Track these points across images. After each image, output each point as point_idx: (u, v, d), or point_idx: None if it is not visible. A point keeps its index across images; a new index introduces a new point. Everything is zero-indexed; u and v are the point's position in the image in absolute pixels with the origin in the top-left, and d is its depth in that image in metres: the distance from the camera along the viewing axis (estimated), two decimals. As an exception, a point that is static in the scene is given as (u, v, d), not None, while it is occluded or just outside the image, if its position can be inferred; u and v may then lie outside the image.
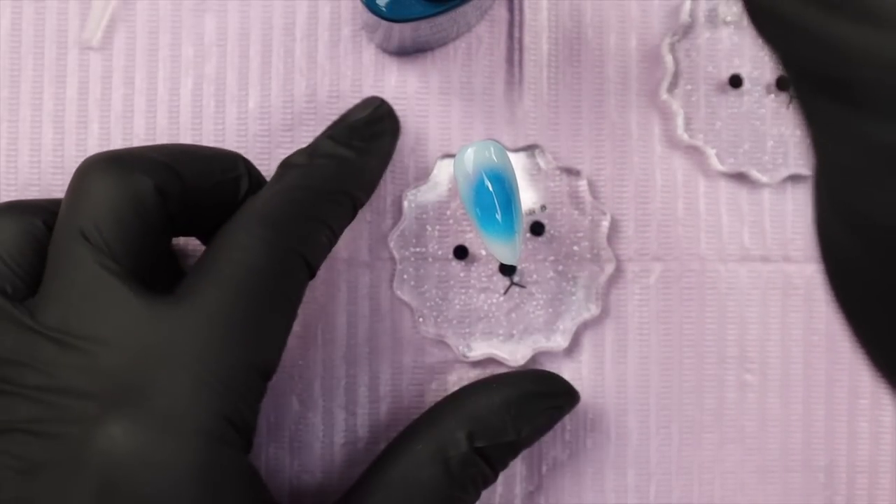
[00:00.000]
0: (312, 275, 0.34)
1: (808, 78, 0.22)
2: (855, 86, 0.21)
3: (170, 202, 0.34)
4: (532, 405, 0.37)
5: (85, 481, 0.30)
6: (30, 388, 0.31)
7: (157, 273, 0.34)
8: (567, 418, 0.40)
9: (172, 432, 0.30)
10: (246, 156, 0.40)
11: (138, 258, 0.33)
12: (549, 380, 0.38)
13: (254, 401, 0.32)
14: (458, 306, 0.40)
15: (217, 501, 0.31)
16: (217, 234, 0.34)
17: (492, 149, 0.37)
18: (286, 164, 0.36)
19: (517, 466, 0.40)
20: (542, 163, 0.40)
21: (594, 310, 0.40)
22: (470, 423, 0.36)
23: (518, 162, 0.40)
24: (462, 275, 0.40)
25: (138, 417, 0.30)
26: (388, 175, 0.40)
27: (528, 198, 0.40)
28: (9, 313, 0.32)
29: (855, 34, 0.21)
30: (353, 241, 0.40)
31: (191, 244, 0.40)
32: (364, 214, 0.40)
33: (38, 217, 0.34)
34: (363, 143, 0.38)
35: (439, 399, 0.39)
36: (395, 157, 0.40)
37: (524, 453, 0.39)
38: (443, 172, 0.40)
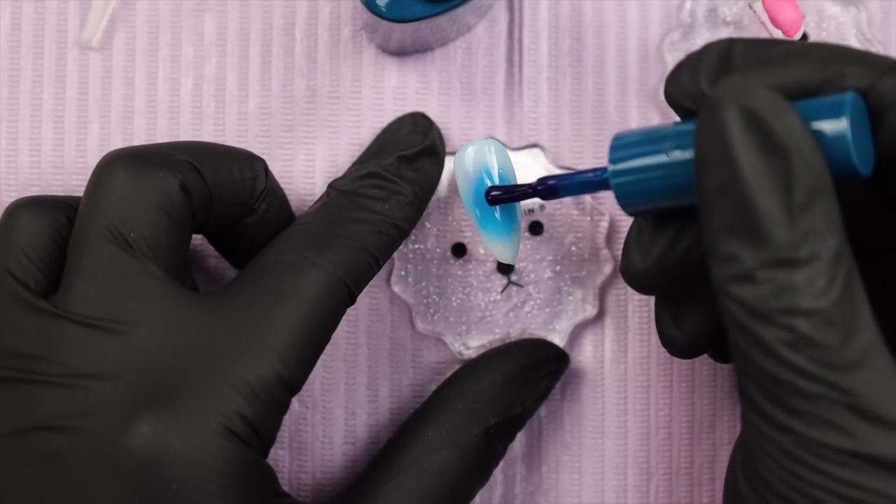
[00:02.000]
0: (352, 302, 0.35)
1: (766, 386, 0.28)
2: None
3: (193, 200, 0.34)
4: (532, 375, 0.38)
5: (113, 478, 0.31)
6: (57, 377, 0.32)
7: (179, 269, 0.34)
8: (567, 418, 0.40)
9: (199, 430, 0.31)
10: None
11: (167, 254, 0.33)
12: (542, 348, 0.39)
13: (278, 412, 0.33)
14: (455, 304, 0.40)
15: (242, 498, 0.31)
16: (267, 249, 0.35)
17: (492, 148, 0.37)
18: (336, 188, 0.37)
19: (517, 466, 0.40)
20: (541, 162, 0.40)
21: (591, 310, 0.40)
22: (478, 403, 0.36)
23: (518, 161, 0.40)
24: (460, 273, 0.40)
25: (167, 415, 0.31)
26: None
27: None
28: (33, 304, 0.33)
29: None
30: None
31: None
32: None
33: (62, 213, 0.34)
34: (413, 174, 0.37)
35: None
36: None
37: (524, 455, 0.39)
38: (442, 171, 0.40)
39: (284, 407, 0.33)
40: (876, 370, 0.27)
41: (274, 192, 0.37)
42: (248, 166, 0.36)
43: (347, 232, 0.35)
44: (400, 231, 0.36)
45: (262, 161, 0.37)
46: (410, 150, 0.37)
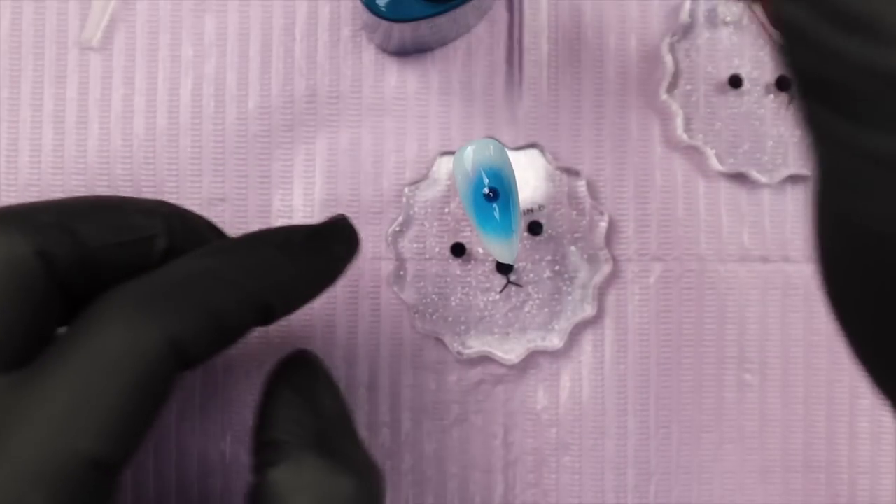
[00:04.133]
0: (188, 367, 0.29)
1: (813, 87, 0.23)
2: (856, 98, 0.22)
3: (58, 266, 0.29)
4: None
5: None
6: None
7: (20, 342, 0.29)
8: (567, 418, 0.40)
9: None
10: (245, 156, 0.40)
11: (9, 330, 0.28)
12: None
13: (88, 496, 0.27)
14: (454, 304, 0.40)
15: None
16: (90, 304, 0.29)
17: (491, 147, 0.37)
18: (216, 242, 0.33)
19: (517, 466, 0.40)
20: (541, 162, 0.40)
21: (590, 310, 0.40)
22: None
23: (517, 161, 0.40)
24: (459, 273, 0.40)
25: None
26: (387, 172, 0.40)
27: (526, 197, 0.40)
28: None
29: (859, 50, 0.22)
30: (352, 240, 0.40)
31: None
32: (363, 212, 0.40)
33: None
34: (301, 252, 0.32)
35: (438, 397, 0.40)
36: (395, 154, 0.40)
37: (524, 455, 0.39)
38: (442, 170, 0.40)
39: (99, 488, 0.28)
40: None
41: (184, 250, 0.32)
42: (147, 223, 0.31)
43: (188, 289, 0.29)
44: (264, 306, 0.30)
45: (170, 217, 0.32)
46: (307, 227, 0.33)
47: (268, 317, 0.31)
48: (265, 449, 0.31)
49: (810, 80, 0.23)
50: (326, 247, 0.33)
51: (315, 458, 0.30)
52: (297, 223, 0.40)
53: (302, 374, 0.32)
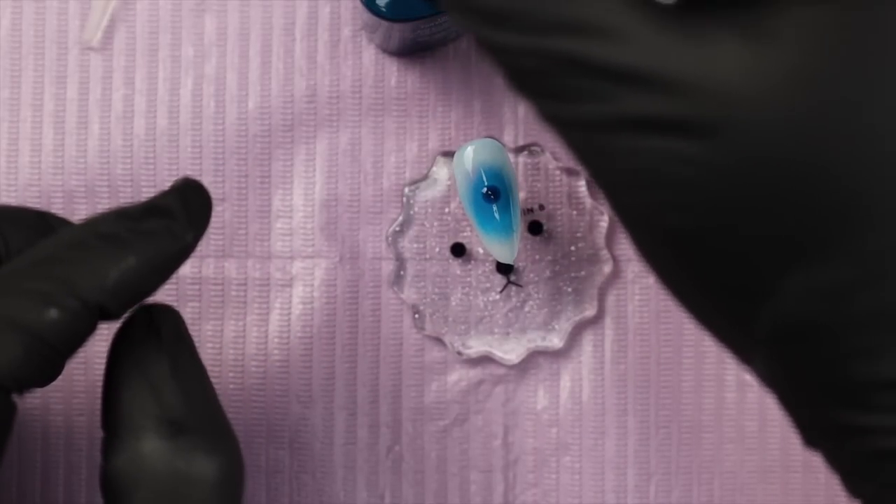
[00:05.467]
0: (21, 392, 0.26)
1: (517, 83, 0.25)
2: (540, 79, 0.24)
3: None
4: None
5: None
6: None
7: None
8: (568, 418, 0.40)
9: None
10: (245, 156, 0.40)
11: None
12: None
13: None
14: (455, 304, 0.40)
15: None
16: None
17: (491, 147, 0.37)
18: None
19: (517, 466, 0.40)
20: (541, 162, 0.40)
21: (590, 310, 0.40)
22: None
23: (518, 161, 0.40)
24: (460, 273, 0.40)
25: None
26: (387, 172, 0.40)
27: (526, 197, 0.40)
28: None
29: (518, 41, 0.24)
30: (351, 238, 0.40)
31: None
32: (363, 212, 0.40)
33: None
34: (132, 238, 0.28)
35: (439, 397, 0.40)
36: (395, 154, 0.40)
37: (524, 456, 0.39)
38: (442, 169, 0.40)
39: None
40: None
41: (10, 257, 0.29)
42: None
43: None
44: (82, 301, 0.27)
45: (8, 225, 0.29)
46: (133, 208, 0.29)
47: (103, 316, 0.27)
48: (107, 436, 0.29)
49: (511, 77, 0.25)
50: (165, 226, 0.29)
51: (157, 443, 0.28)
52: (294, 222, 0.39)
53: (146, 345, 0.29)
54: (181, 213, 0.29)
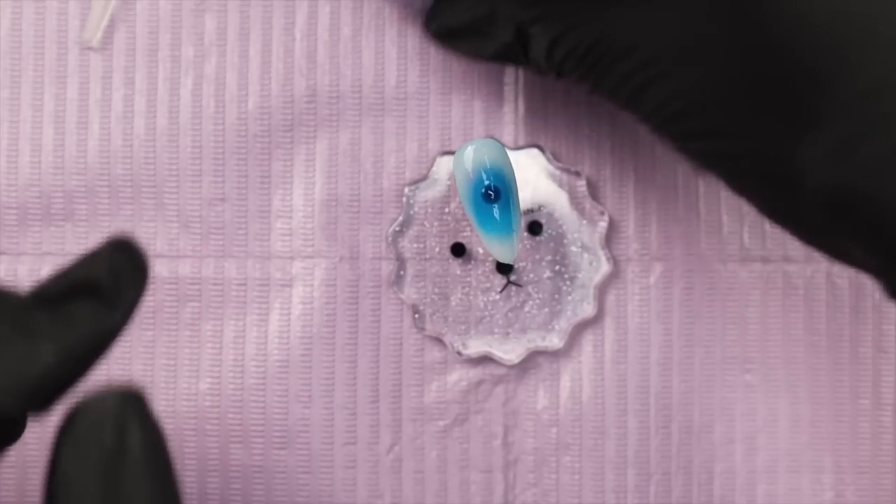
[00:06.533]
0: None
1: None
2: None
3: None
4: None
5: None
6: None
7: None
8: (568, 418, 0.40)
9: None
10: (245, 156, 0.40)
11: None
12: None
13: None
14: (455, 304, 0.40)
15: None
16: None
17: (491, 147, 0.37)
18: None
19: (517, 466, 0.40)
20: (541, 162, 0.40)
21: (590, 310, 0.40)
22: None
23: (517, 161, 0.40)
24: (459, 273, 0.40)
25: None
26: (387, 172, 0.40)
27: (526, 197, 0.40)
28: None
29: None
30: (351, 238, 0.40)
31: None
32: (363, 212, 0.40)
33: None
34: (47, 325, 0.24)
35: (439, 397, 0.39)
36: (395, 154, 0.40)
37: (524, 456, 0.39)
38: (442, 169, 0.40)
39: None
40: None
41: None
42: None
43: None
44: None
45: None
46: (53, 287, 0.24)
47: (18, 425, 0.25)
48: None
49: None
50: (90, 309, 0.24)
51: None
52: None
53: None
54: (109, 287, 0.24)
